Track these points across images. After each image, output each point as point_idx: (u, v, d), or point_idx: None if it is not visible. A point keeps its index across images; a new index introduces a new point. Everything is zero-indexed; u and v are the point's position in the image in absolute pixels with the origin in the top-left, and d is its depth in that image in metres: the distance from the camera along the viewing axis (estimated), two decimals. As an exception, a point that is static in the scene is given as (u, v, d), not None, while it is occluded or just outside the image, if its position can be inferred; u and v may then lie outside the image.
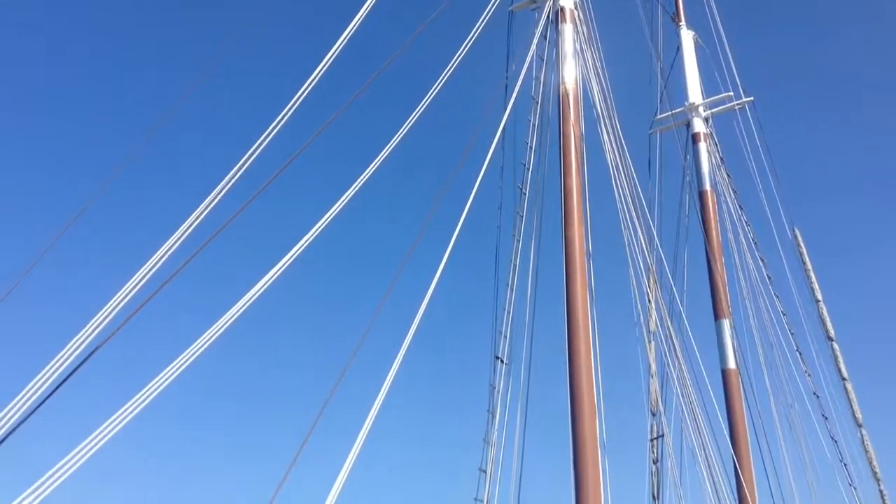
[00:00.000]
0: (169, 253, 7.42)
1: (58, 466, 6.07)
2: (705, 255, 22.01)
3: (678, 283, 21.19)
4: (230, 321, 7.73)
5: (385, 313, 10.59)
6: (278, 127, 9.01)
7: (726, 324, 20.89)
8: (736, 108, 24.18)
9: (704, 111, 23.99)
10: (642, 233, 16.18)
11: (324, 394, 9.80)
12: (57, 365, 6.34)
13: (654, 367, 18.18)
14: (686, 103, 23.96)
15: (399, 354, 9.91)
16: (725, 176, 23.72)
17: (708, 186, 22.86)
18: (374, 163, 10.12)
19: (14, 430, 6.01)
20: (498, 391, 15.74)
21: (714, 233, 22.35)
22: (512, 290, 15.58)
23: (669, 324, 17.19)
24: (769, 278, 22.96)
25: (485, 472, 15.05)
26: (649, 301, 17.20)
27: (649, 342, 17.65)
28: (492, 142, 12.67)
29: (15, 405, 6.07)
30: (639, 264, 15.90)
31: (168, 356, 7.20)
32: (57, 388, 6.35)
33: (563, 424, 13.65)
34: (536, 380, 17.00)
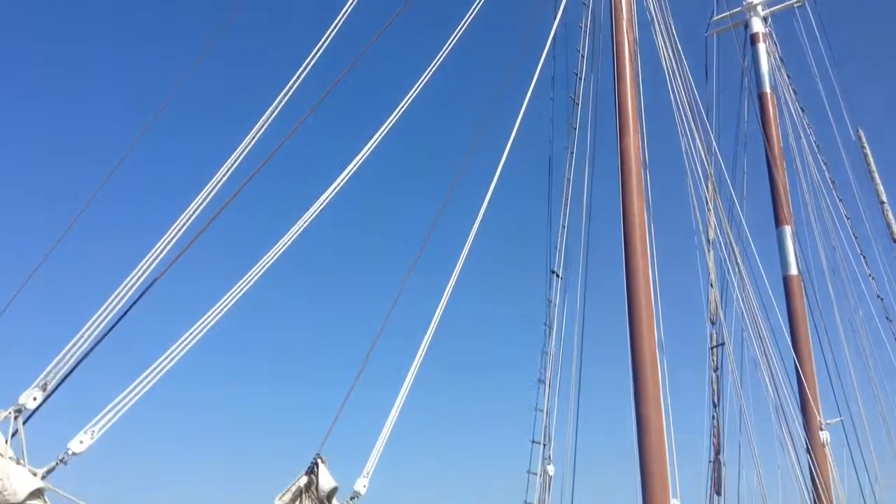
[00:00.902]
0: (220, 184, 7.42)
1: (122, 396, 6.25)
2: (766, 159, 21.39)
3: (738, 190, 20.62)
4: (282, 249, 7.75)
5: (438, 235, 10.52)
6: (322, 49, 8.82)
7: (787, 230, 20.44)
8: (795, 5, 23.15)
9: (763, 10, 22.97)
10: (700, 139, 15.70)
11: (377, 321, 9.87)
12: (118, 298, 6.46)
13: (713, 275, 17.91)
14: (744, 2, 22.96)
15: (453, 274, 9.86)
16: (785, 77, 22.81)
17: (767, 89, 22.03)
18: (424, 75, 9.86)
19: (81, 360, 6.18)
20: (554, 305, 15.72)
21: (774, 137, 21.65)
22: (566, 203, 15.38)
23: (729, 231, 16.81)
24: (832, 182, 22.28)
25: (544, 382, 15.18)
26: (708, 209, 16.81)
27: (709, 251, 17.32)
28: (541, 52, 12.22)
29: (81, 337, 6.22)
30: (697, 172, 15.49)
31: (223, 286, 7.28)
32: (119, 319, 6.49)
33: (621, 337, 13.60)
34: (593, 293, 16.93)
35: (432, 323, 9.66)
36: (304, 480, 8.76)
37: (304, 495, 8.76)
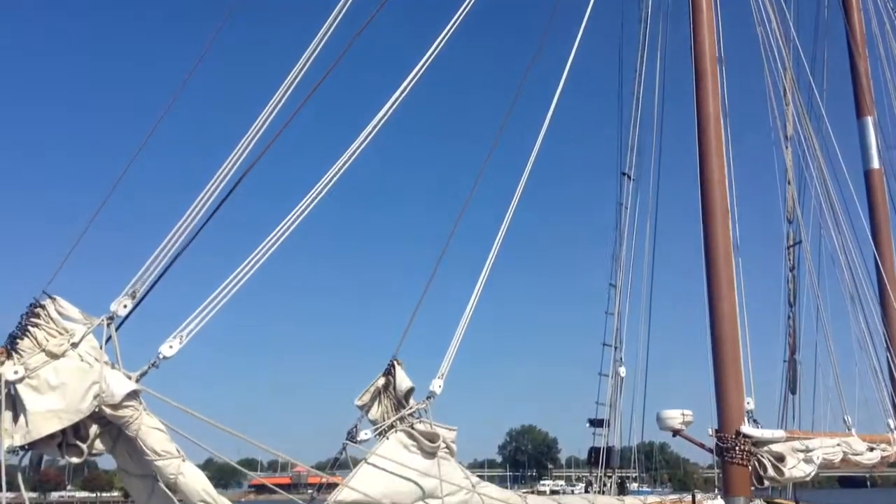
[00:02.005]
0: (294, 84, 7.42)
1: (207, 301, 6.47)
2: (847, 48, 20.27)
3: (817, 81, 19.65)
4: (359, 150, 7.77)
5: (507, 137, 10.39)
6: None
7: (870, 121, 19.51)
8: None
9: None
10: (777, 28, 14.93)
11: (449, 226, 9.90)
12: (200, 205, 6.62)
13: (791, 172, 17.33)
14: None
15: (523, 176, 9.78)
16: (868, -43, 21.32)
17: (848, -30, 20.68)
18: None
19: (167, 268, 6.40)
20: (625, 208, 15.52)
21: (857, 23, 20.44)
22: (638, 101, 14.97)
23: (808, 125, 16.16)
24: (918, 68, 21.05)
25: (614, 286, 15.17)
26: (786, 102, 16.14)
27: (786, 146, 16.72)
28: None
29: (166, 245, 6.42)
30: (774, 63, 14.80)
31: (302, 191, 7.38)
32: (202, 226, 6.66)
33: (695, 238, 13.38)
34: (665, 194, 16.63)
35: (503, 226, 9.67)
36: (381, 381, 9.06)
37: (382, 395, 9.07)
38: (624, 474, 15.28)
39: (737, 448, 12.51)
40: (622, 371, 14.86)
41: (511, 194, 9.73)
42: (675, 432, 13.73)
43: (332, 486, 8.36)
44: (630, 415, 15.26)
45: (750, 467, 12.57)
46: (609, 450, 14.40)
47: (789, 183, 17.45)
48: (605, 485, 14.07)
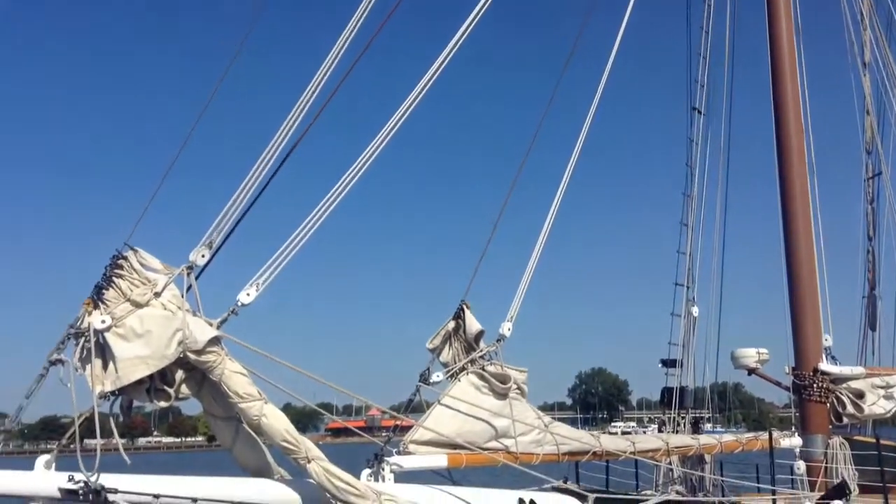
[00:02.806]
0: (355, 32, 7.39)
1: (281, 249, 6.61)
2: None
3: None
4: (423, 91, 7.74)
5: (571, 74, 10.21)
6: None
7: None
8: None
9: None
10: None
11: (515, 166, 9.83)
12: (269, 154, 6.72)
13: (869, 100, 16.59)
14: None
15: (590, 113, 9.61)
16: None
17: None
18: None
19: (241, 218, 6.55)
20: (696, 144, 15.13)
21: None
22: (708, 32, 14.43)
23: (888, 51, 15.40)
24: None
25: (686, 224, 14.88)
26: (864, 27, 15.38)
27: (864, 74, 15.97)
28: None
29: (239, 195, 6.55)
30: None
31: (367, 139, 7.40)
32: (273, 175, 6.77)
33: (768, 174, 13.01)
34: (738, 128, 16.14)
35: (569, 166, 9.57)
36: (451, 325, 9.17)
37: (452, 339, 9.18)
38: (697, 415, 15.17)
39: (814, 385, 12.33)
40: (695, 311, 14.66)
41: (578, 132, 9.60)
42: (751, 371, 13.57)
43: (405, 430, 8.55)
44: (703, 355, 15.12)
45: (828, 405, 12.38)
46: (682, 390, 14.29)
47: (868, 112, 16.71)
48: (678, 425, 14.01)
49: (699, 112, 15.28)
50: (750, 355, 13.42)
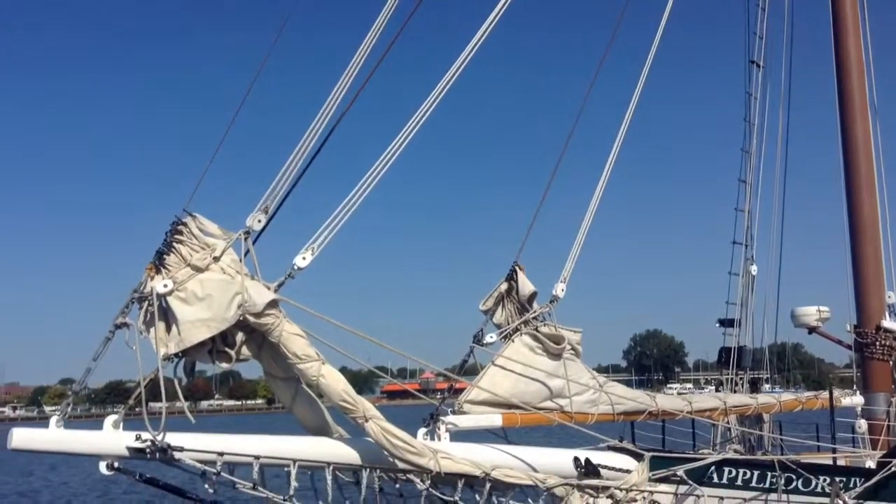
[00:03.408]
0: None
1: (334, 215, 6.68)
2: None
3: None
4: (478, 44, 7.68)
5: (625, 30, 10.00)
6: None
7: None
8: None
9: None
10: None
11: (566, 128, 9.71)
12: (320, 121, 6.76)
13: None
14: None
15: (645, 66, 9.42)
16: None
17: None
18: None
19: (295, 184, 6.62)
20: (755, 98, 14.73)
21: None
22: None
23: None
24: None
25: (745, 181, 14.57)
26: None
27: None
28: None
29: (292, 162, 6.62)
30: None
31: (417, 102, 7.39)
32: (324, 142, 6.82)
33: (829, 128, 12.65)
34: (797, 81, 15.67)
35: (623, 123, 9.42)
36: (504, 286, 9.17)
37: (505, 300, 9.19)
38: (756, 375, 14.97)
39: (877, 343, 12.09)
40: (753, 269, 14.39)
41: (632, 89, 9.42)
42: (811, 329, 13.32)
43: (459, 392, 8.64)
44: (762, 314, 14.88)
45: (891, 362, 12.13)
46: (741, 349, 14.11)
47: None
48: (736, 386, 13.86)
49: (758, 65, 14.86)
50: (810, 313, 13.17)
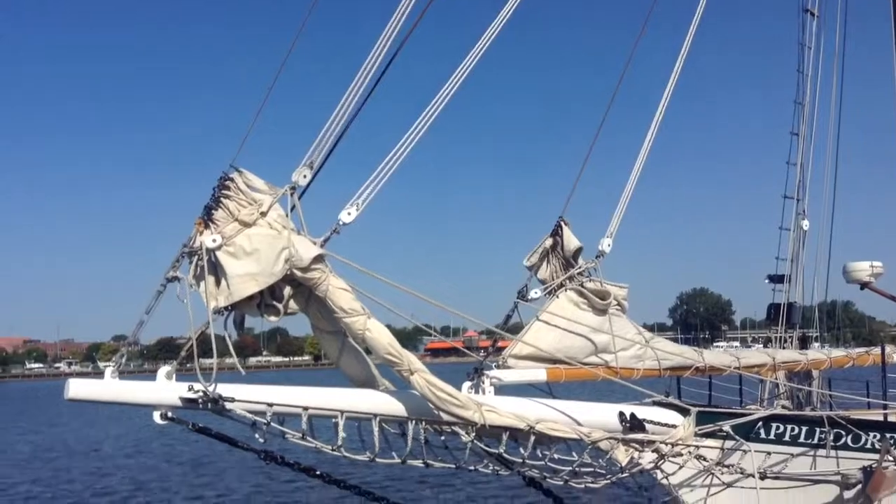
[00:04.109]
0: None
1: (378, 170, 6.67)
2: None
3: None
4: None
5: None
6: None
7: None
8: None
9: None
10: None
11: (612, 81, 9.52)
12: (362, 76, 6.73)
13: None
14: None
15: (695, 17, 9.17)
16: None
17: None
18: None
19: (339, 139, 6.62)
20: (808, 48, 14.28)
21: None
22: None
23: None
24: None
25: (797, 134, 14.21)
26: None
27: None
28: None
29: (336, 117, 6.61)
30: None
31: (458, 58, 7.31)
32: (367, 97, 6.79)
33: (886, 78, 12.22)
34: (852, 30, 15.16)
35: (672, 75, 9.22)
36: (549, 242, 9.12)
37: (550, 256, 9.15)
38: (805, 333, 14.75)
39: (932, 298, 11.80)
40: (805, 224, 14.10)
41: (682, 38, 9.20)
42: (864, 285, 13.05)
43: (501, 350, 8.67)
44: (813, 270, 14.61)
45: (947, 319, 11.83)
46: (790, 306, 13.88)
47: None
48: (785, 342, 13.67)
49: (812, 14, 14.38)
50: (863, 269, 12.89)
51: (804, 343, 14.12)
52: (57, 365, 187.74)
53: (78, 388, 5.55)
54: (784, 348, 13.28)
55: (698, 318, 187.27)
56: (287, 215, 6.22)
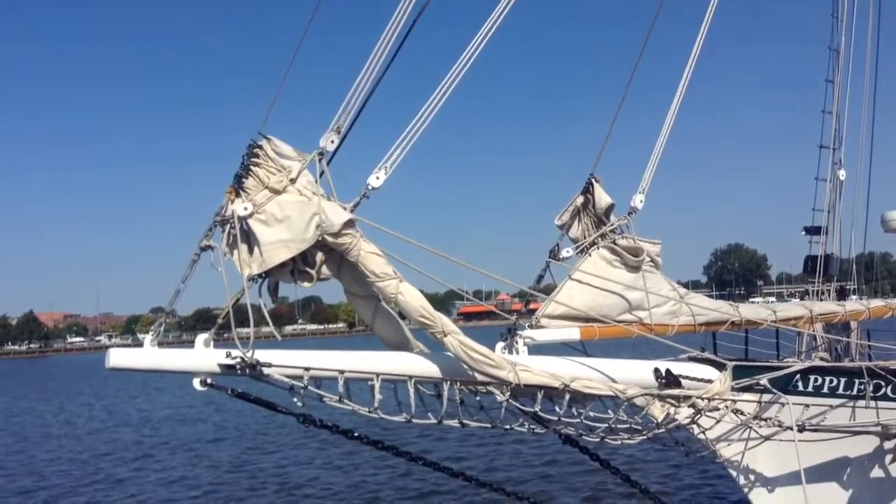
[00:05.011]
0: None
1: (405, 133, 6.63)
2: None
3: None
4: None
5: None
6: None
7: None
8: None
9: None
10: None
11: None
12: (387, 38, 6.66)
13: None
14: None
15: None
16: None
17: None
18: None
19: (365, 102, 6.58)
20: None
21: None
22: None
23: None
24: None
25: (832, 81, 13.85)
26: None
27: None
28: None
29: (361, 81, 6.56)
30: None
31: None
32: (391, 61, 6.72)
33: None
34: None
35: (703, 25, 9.01)
36: (580, 200, 9.05)
37: (581, 214, 9.08)
38: (843, 285, 14.51)
39: (976, 247, 11.54)
40: (841, 174, 13.79)
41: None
42: (902, 234, 12.80)
43: (534, 312, 8.65)
44: (850, 221, 14.33)
45: None
46: (827, 258, 13.65)
47: None
48: (822, 294, 13.48)
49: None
50: (901, 218, 12.65)
51: (842, 295, 13.91)
52: (97, 338, 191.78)
53: (119, 357, 5.65)
54: (822, 301, 13.11)
55: (733, 275, 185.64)
56: (316, 181, 6.22)
